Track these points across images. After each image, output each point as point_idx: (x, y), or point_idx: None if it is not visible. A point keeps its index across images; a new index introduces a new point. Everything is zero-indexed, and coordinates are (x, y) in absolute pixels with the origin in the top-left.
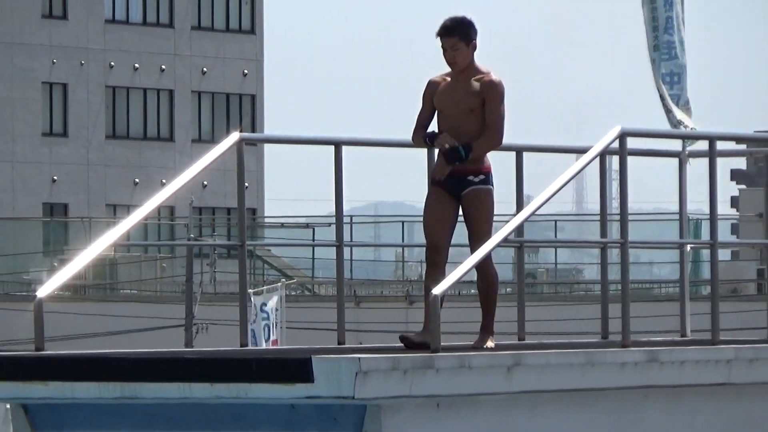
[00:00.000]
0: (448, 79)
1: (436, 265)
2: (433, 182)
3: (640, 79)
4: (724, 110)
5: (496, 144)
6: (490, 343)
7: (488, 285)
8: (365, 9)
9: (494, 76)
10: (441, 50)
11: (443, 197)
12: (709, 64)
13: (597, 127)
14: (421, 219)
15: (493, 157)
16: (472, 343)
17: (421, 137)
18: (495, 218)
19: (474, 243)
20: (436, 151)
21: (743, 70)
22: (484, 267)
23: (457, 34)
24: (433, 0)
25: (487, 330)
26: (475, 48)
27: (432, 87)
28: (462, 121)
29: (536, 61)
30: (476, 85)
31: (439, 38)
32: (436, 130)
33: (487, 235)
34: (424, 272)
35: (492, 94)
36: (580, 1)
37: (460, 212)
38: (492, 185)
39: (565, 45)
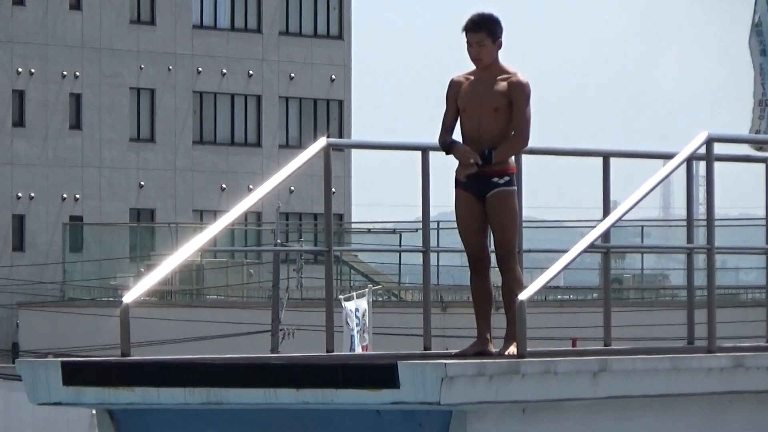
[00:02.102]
0: (471, 77)
1: (479, 272)
2: (457, 184)
3: (731, 84)
4: None
5: (522, 146)
6: (513, 350)
7: (518, 291)
8: (454, 14)
9: (521, 77)
10: (466, 46)
11: (470, 202)
12: None
13: (686, 132)
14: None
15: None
16: (499, 350)
17: (440, 144)
18: (523, 222)
19: (499, 245)
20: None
21: None
22: (516, 272)
23: (485, 30)
24: (521, 6)
25: (513, 337)
26: (500, 46)
27: (455, 86)
28: (486, 120)
29: (627, 64)
30: (502, 84)
31: (465, 33)
32: (457, 132)
33: (513, 237)
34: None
35: (519, 96)
36: (671, 5)
37: None
38: (516, 186)
39: (656, 50)
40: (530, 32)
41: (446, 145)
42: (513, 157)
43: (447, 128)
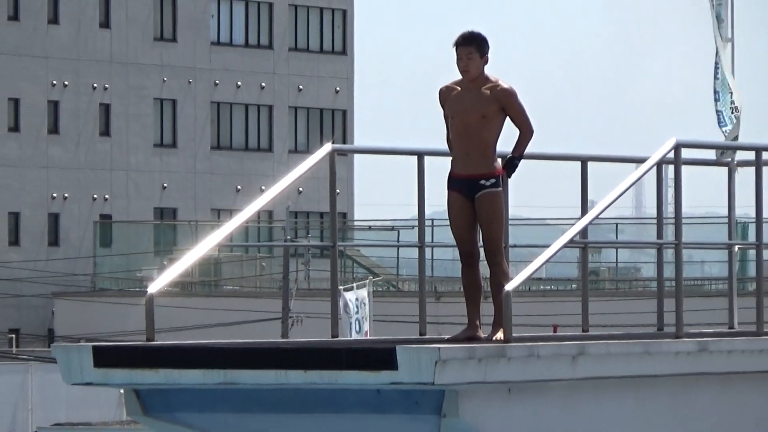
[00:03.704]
0: (458, 87)
1: (469, 265)
2: (449, 186)
3: (698, 92)
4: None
5: (531, 135)
6: (500, 335)
7: (504, 282)
8: (447, 33)
9: (505, 84)
10: (456, 59)
11: (461, 202)
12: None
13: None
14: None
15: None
16: (487, 335)
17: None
18: (510, 221)
19: (487, 241)
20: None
21: None
22: (502, 266)
23: (474, 45)
24: (520, 25)
25: (499, 324)
26: (486, 62)
27: (444, 94)
28: (474, 126)
29: (604, 76)
30: (487, 93)
31: (455, 48)
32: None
33: (500, 233)
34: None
35: (510, 100)
36: (644, 22)
37: None
38: (501, 187)
39: (630, 65)
40: (516, 45)
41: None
42: (499, 161)
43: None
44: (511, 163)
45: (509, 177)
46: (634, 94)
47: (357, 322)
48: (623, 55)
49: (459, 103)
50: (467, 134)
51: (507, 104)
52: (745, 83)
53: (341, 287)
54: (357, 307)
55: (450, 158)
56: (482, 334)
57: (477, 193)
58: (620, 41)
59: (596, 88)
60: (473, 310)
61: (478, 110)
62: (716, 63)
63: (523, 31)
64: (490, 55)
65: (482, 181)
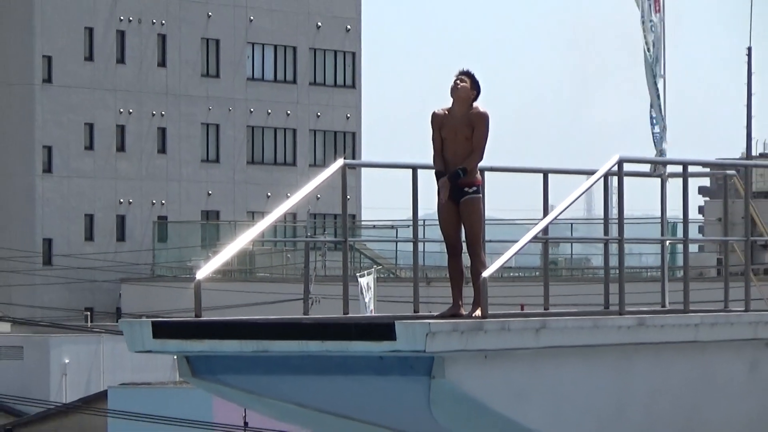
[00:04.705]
0: (448, 113)
1: (454, 256)
2: (439, 192)
3: (638, 118)
4: (695, 139)
5: (479, 159)
6: (478, 312)
7: (482, 270)
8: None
9: (482, 109)
10: (452, 82)
11: (448, 205)
12: (684, 100)
13: (604, 154)
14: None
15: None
16: (468, 312)
17: (435, 169)
18: (488, 222)
19: (469, 236)
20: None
21: (712, 106)
22: (481, 257)
23: (471, 77)
24: (517, 57)
25: (478, 303)
26: (476, 98)
27: (437, 118)
28: (460, 147)
29: (561, 104)
30: (467, 119)
31: (455, 75)
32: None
33: (479, 231)
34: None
35: (480, 123)
36: (595, 60)
37: None
38: (481, 194)
39: (583, 95)
40: (494, 79)
41: (437, 173)
42: (479, 173)
43: (437, 152)
44: (456, 172)
45: (452, 182)
46: (585, 118)
47: (367, 301)
48: (578, 86)
49: (449, 128)
50: (455, 152)
51: (475, 124)
52: (674, 111)
53: (357, 274)
54: (366, 290)
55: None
56: (464, 311)
57: (462, 198)
58: (576, 75)
59: (555, 115)
60: (457, 293)
61: (462, 133)
62: (652, 94)
63: (499, 67)
64: (480, 95)
65: (466, 189)
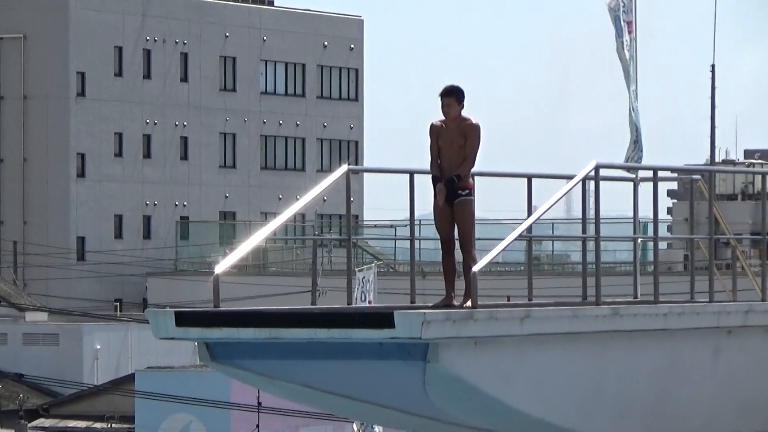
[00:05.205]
0: (444, 125)
1: (448, 252)
2: (435, 198)
3: (615, 126)
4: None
5: (471, 166)
6: (469, 303)
7: (473, 265)
8: (434, 83)
9: (474, 121)
10: (441, 105)
11: (443, 206)
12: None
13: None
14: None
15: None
16: (460, 303)
17: (431, 175)
18: (478, 221)
19: (461, 234)
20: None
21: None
22: (472, 253)
23: (453, 96)
24: (503, 73)
25: (469, 295)
26: (463, 107)
27: (435, 129)
28: (455, 156)
29: (543, 114)
30: (461, 130)
31: (440, 97)
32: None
33: (471, 229)
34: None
35: (472, 133)
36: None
37: None
38: (473, 196)
39: (564, 104)
40: (483, 91)
41: (433, 178)
42: (471, 178)
43: (434, 159)
44: (451, 179)
45: (447, 188)
46: (566, 126)
47: (365, 294)
48: (559, 98)
49: (445, 139)
50: (450, 161)
51: (468, 135)
52: (645, 120)
53: (356, 269)
54: (366, 283)
55: (430, 176)
56: (456, 302)
57: (455, 199)
58: (557, 89)
59: (538, 124)
60: (449, 286)
61: (456, 143)
62: (629, 104)
63: (488, 83)
64: (466, 101)
65: (459, 191)
